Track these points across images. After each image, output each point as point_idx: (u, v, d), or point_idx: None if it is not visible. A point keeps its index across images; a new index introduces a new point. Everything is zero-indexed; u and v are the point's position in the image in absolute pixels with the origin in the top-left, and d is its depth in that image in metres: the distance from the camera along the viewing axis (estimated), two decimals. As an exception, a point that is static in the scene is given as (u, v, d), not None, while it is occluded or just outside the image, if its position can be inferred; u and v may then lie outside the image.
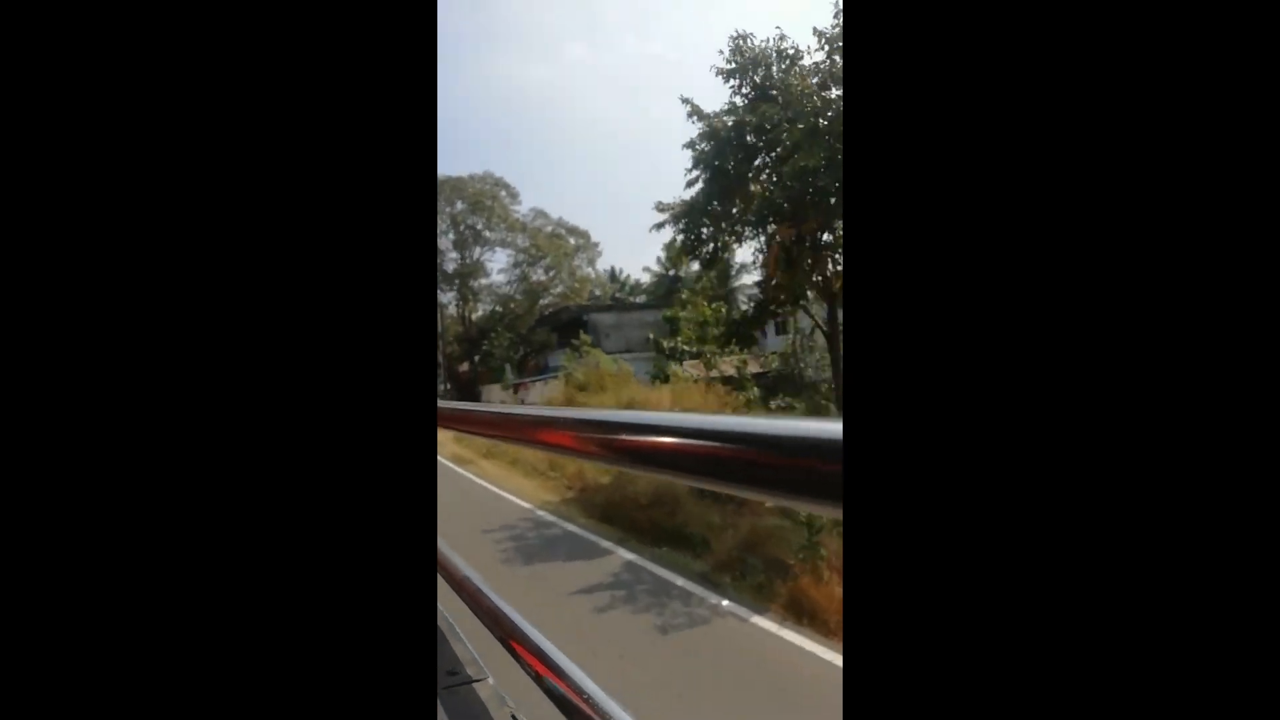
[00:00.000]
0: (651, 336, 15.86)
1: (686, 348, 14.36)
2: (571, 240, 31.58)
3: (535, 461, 10.46)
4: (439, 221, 29.91)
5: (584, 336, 16.46)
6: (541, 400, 16.15)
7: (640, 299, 29.17)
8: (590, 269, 32.36)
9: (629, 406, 9.66)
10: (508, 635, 0.71)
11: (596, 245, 32.31)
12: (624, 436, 0.43)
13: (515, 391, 24.10)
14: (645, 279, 34.01)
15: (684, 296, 16.05)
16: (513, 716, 0.77)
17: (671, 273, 33.73)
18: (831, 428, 0.30)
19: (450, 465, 11.73)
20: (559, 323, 26.43)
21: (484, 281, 31.80)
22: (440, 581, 0.96)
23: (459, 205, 30.44)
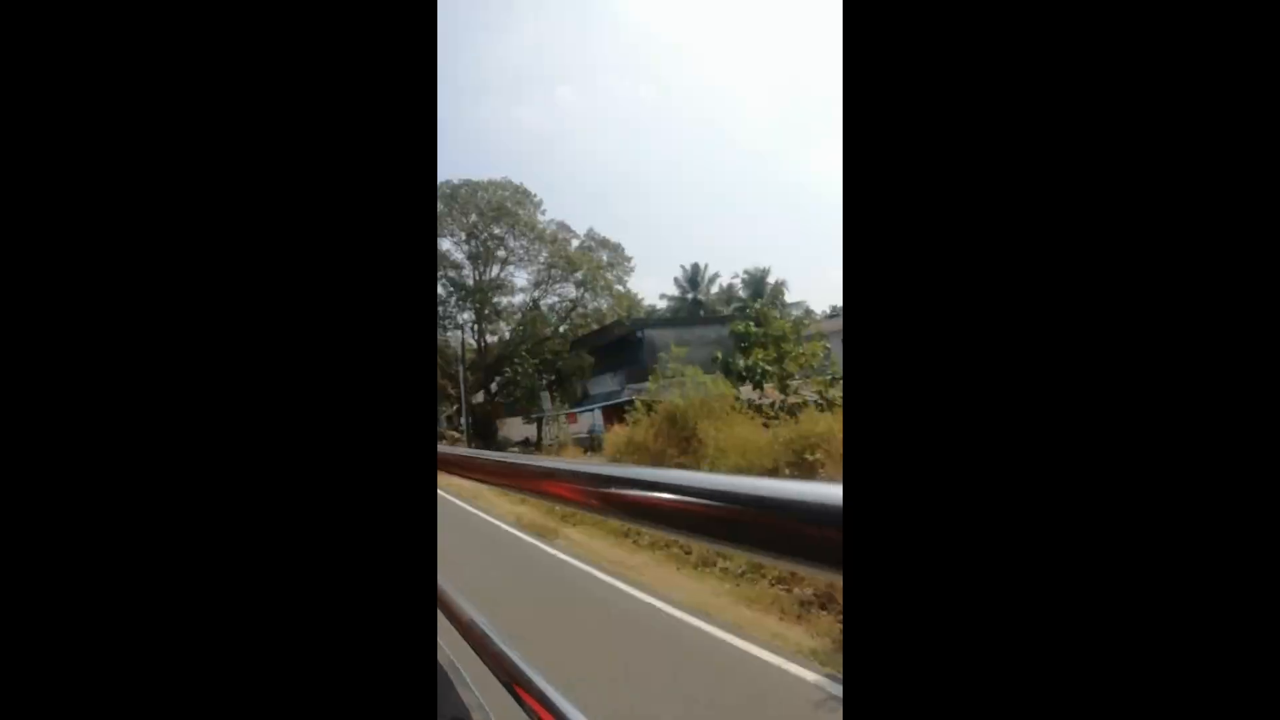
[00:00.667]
0: (718, 356, 13.16)
1: (769, 367, 12.04)
2: (603, 254, 27.98)
3: (659, 537, 5.87)
4: (455, 232, 26.88)
5: (675, 349, 12.64)
6: (620, 448, 11.41)
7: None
8: (621, 286, 28.50)
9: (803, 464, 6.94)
10: (512, 679, 0.71)
11: (629, 260, 28.67)
12: (623, 491, 0.43)
13: (540, 433, 20.57)
14: (661, 304, 31.79)
15: (759, 308, 13.78)
16: None
17: (690, 295, 31.85)
18: (831, 491, 0.30)
19: (534, 542, 7.51)
20: (603, 342, 24.00)
21: (507, 300, 27.78)
22: (445, 625, 0.97)
23: (473, 216, 26.46)
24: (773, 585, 5.03)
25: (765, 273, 29.19)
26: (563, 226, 27.99)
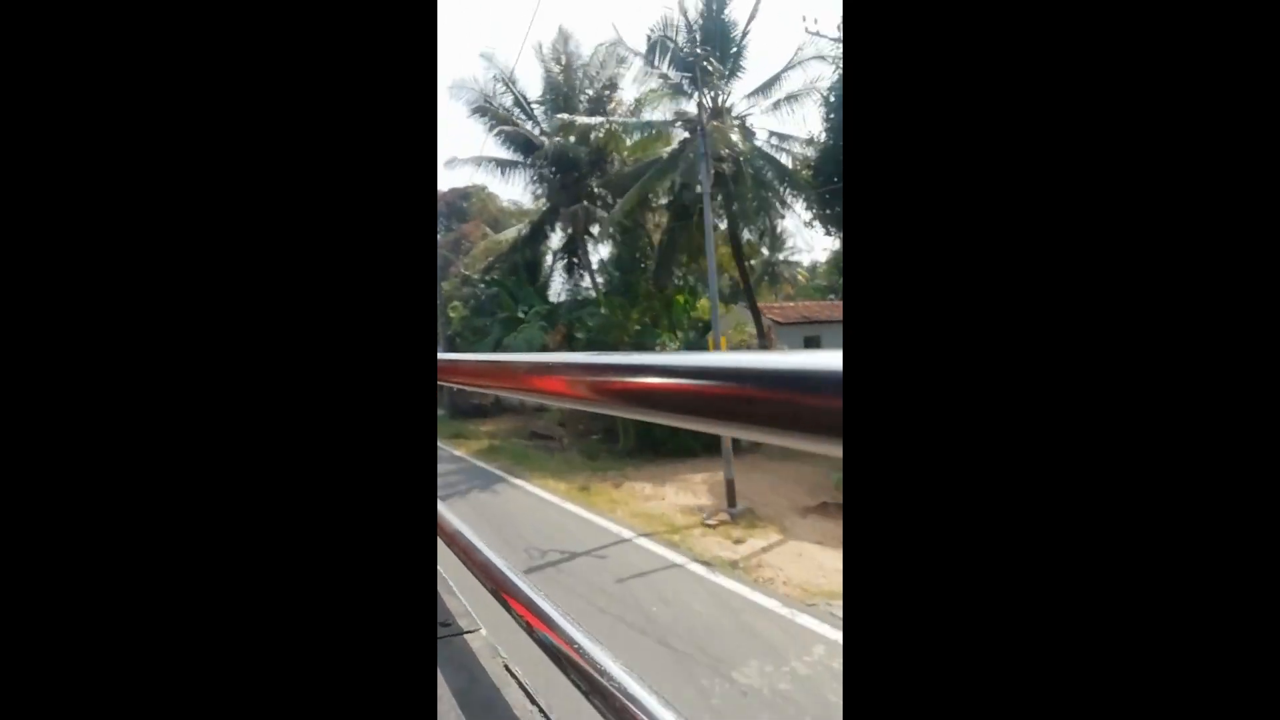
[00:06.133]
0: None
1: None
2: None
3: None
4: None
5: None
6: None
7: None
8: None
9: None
10: (499, 588, 0.75)
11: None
12: (619, 379, 0.45)
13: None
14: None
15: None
16: (505, 666, 0.82)
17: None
18: (831, 358, 0.32)
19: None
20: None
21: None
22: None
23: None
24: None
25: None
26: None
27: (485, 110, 17.75)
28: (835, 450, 0.33)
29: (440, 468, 11.35)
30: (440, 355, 0.84)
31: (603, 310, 15.09)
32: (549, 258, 19.35)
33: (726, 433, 0.40)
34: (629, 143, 15.23)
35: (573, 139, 16.19)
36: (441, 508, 0.99)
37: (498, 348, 16.98)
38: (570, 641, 0.61)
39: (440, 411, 19.23)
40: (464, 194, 25.67)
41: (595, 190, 17.10)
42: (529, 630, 0.67)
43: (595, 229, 17.46)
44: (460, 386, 0.76)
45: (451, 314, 21.05)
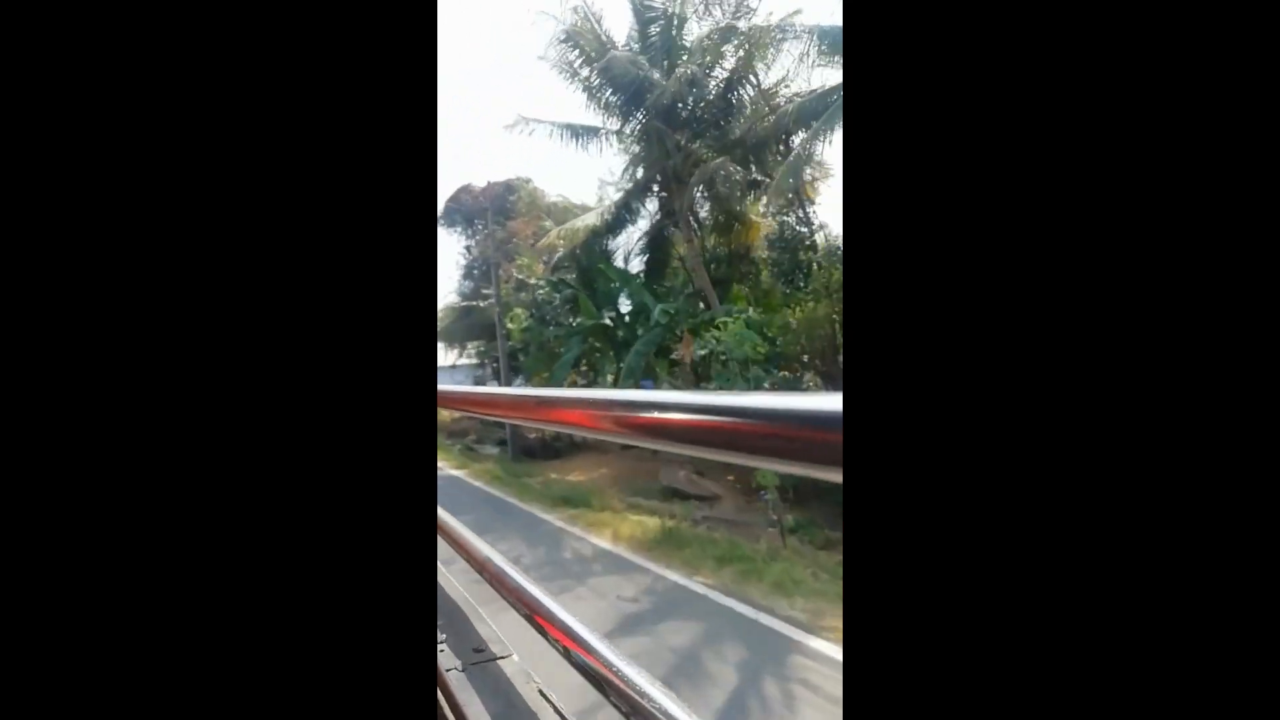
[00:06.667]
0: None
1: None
2: None
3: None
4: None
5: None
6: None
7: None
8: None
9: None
10: (533, 612, 0.77)
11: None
12: (637, 415, 0.47)
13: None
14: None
15: None
16: (540, 691, 0.83)
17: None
18: (832, 400, 0.34)
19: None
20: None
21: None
22: (464, 565, 1.05)
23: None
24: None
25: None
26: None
27: (574, 41, 12.54)
28: (835, 476, 0.34)
29: (666, 623, 5.84)
30: (453, 388, 0.86)
31: (750, 312, 10.49)
32: (625, 248, 14.75)
33: (740, 461, 0.42)
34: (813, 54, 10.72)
35: (697, 67, 11.59)
36: (469, 534, 1.02)
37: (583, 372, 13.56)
38: (607, 664, 0.62)
39: (491, 449, 16.12)
40: (509, 187, 21.59)
41: (706, 157, 12.32)
42: (565, 654, 0.69)
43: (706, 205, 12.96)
44: (480, 416, 0.77)
45: (511, 324, 16.71)
